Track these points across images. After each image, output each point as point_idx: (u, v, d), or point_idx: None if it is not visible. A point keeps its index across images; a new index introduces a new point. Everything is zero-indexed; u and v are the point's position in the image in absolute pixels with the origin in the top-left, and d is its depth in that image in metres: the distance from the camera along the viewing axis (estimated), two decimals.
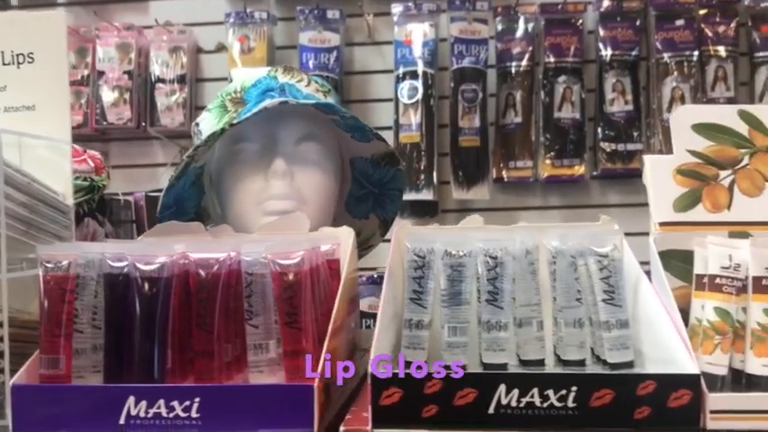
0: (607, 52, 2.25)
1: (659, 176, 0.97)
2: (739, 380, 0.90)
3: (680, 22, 2.21)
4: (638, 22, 2.24)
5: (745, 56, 2.21)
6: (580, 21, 2.26)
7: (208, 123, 1.09)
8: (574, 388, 0.79)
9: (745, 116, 0.98)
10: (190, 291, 0.82)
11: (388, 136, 2.24)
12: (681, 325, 0.86)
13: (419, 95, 2.21)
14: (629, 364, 0.94)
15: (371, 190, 1.20)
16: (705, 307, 0.89)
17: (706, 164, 0.97)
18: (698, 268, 0.91)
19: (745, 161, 0.97)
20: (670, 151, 1.00)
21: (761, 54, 2.19)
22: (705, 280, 0.90)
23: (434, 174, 2.24)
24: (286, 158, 1.07)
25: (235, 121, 1.02)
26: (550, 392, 0.79)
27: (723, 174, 0.97)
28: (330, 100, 1.14)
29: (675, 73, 2.20)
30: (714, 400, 0.79)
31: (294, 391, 0.78)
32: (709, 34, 2.20)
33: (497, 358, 0.92)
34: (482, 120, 2.25)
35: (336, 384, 0.88)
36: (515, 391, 0.79)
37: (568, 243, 0.98)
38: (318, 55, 2.19)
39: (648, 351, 0.93)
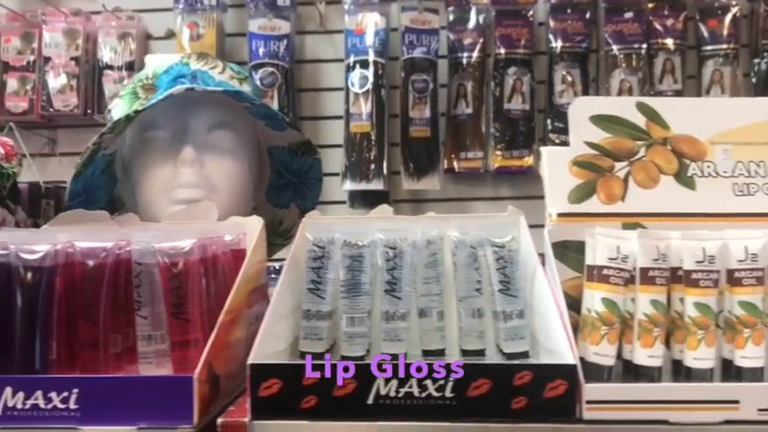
0: (557, 44, 2.26)
1: (556, 168, 0.98)
2: (629, 370, 0.92)
3: (629, 15, 2.22)
4: (588, 15, 2.25)
5: (693, 49, 2.23)
6: (531, 12, 2.26)
7: (119, 110, 1.09)
8: (452, 378, 0.80)
9: (644, 108, 0.99)
10: (75, 280, 0.82)
11: (339, 125, 2.25)
12: (565, 315, 0.87)
13: (369, 85, 2.21)
14: (525, 354, 0.95)
15: (291, 179, 1.21)
16: (594, 297, 0.90)
17: (602, 155, 0.98)
18: (588, 259, 0.92)
19: (642, 153, 0.98)
20: None
21: (708, 48, 2.21)
22: (594, 271, 0.91)
23: (385, 164, 2.25)
24: (196, 146, 1.07)
25: (140, 108, 1.02)
26: (429, 382, 0.80)
27: (619, 165, 0.98)
28: (246, 87, 1.14)
29: (624, 65, 2.21)
30: (590, 390, 0.80)
31: (173, 383, 0.78)
32: (658, 27, 2.22)
33: (396, 348, 0.93)
34: (433, 110, 2.25)
35: (235, 376, 0.89)
36: (394, 382, 0.80)
37: (469, 234, 0.99)
38: (268, 43, 2.19)
39: (543, 341, 0.95)
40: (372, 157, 2.24)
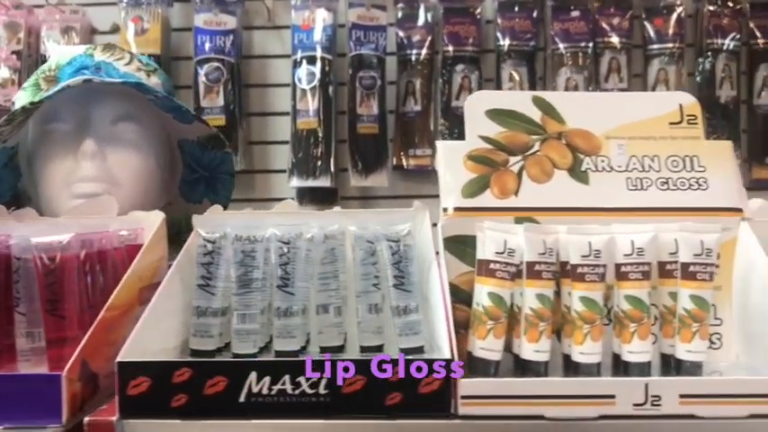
0: (505, 42, 2.25)
1: (450, 162, 0.98)
2: (519, 365, 0.92)
3: (576, 14, 2.22)
4: (535, 13, 2.25)
5: (639, 48, 2.23)
6: (479, 10, 2.26)
7: (20, 102, 1.08)
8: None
9: (540, 103, 0.99)
10: None
11: (287, 122, 2.24)
12: (449, 309, 0.87)
13: (316, 81, 2.20)
14: (420, 350, 0.95)
15: (202, 174, 1.20)
16: (482, 292, 0.90)
17: (497, 150, 0.97)
18: (479, 254, 0.92)
19: (536, 147, 0.98)
20: None
21: (654, 46, 2.21)
22: (483, 265, 0.91)
23: (332, 160, 2.24)
24: (98, 139, 1.06)
25: (36, 100, 1.01)
26: (302, 379, 0.80)
27: (513, 160, 0.97)
28: (155, 80, 1.13)
29: (570, 63, 2.21)
30: (465, 385, 0.80)
31: (41, 381, 0.77)
32: (604, 26, 2.22)
33: (289, 345, 0.93)
34: (381, 107, 2.24)
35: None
36: (266, 379, 0.80)
37: (367, 229, 0.99)
38: (214, 38, 2.18)
39: (435, 336, 0.94)
40: (319, 154, 2.23)
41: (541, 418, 0.80)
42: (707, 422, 0.79)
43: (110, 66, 1.06)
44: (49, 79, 1.06)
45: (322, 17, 2.20)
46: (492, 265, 0.88)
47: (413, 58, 2.26)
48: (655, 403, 0.80)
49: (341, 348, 0.96)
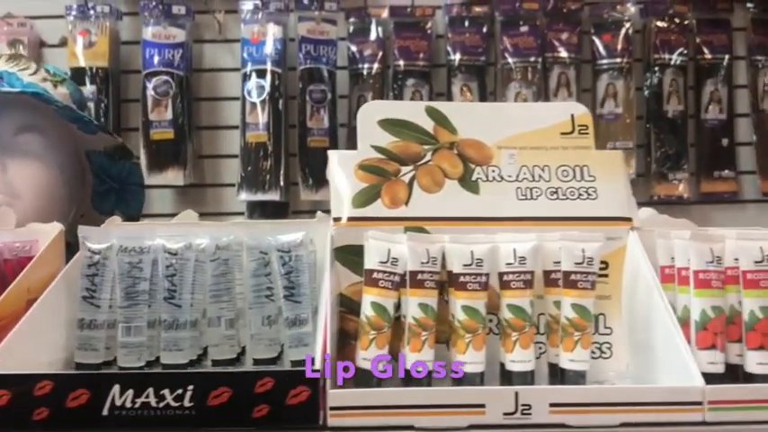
0: (456, 57, 2.26)
1: (342, 172, 0.98)
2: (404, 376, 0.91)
3: (524, 29, 2.24)
4: (485, 28, 2.26)
5: (588, 63, 2.25)
6: (429, 25, 2.27)
7: None
8: (190, 387, 0.79)
9: (432, 113, 0.99)
10: None
11: (237, 135, 2.24)
12: (328, 320, 0.87)
13: (266, 95, 2.21)
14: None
15: (112, 185, 1.20)
16: (366, 302, 0.90)
17: (389, 159, 0.97)
18: (365, 263, 0.92)
19: (428, 157, 0.98)
20: None
21: (603, 61, 2.22)
22: (368, 275, 0.91)
23: (282, 174, 2.24)
24: None
25: None
26: (166, 392, 0.79)
27: (405, 170, 0.97)
28: (63, 90, 1.13)
29: (519, 78, 2.22)
30: (333, 396, 0.80)
31: None
32: (553, 41, 2.23)
33: (175, 358, 0.92)
34: (331, 120, 2.25)
35: None
36: (130, 392, 0.79)
37: (260, 240, 0.99)
38: (163, 51, 2.18)
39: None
40: (269, 168, 2.23)
41: (411, 428, 0.79)
42: (578, 431, 0.79)
43: (13, 76, 1.06)
44: None
45: (272, 31, 2.21)
46: (375, 275, 0.88)
47: (364, 72, 2.27)
48: (525, 412, 0.79)
49: (233, 361, 0.96)
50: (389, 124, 0.97)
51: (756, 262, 0.85)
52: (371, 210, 0.95)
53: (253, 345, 0.98)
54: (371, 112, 0.99)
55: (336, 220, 0.95)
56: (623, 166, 1.00)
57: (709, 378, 0.84)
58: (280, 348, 0.96)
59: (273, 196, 2.23)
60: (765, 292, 0.85)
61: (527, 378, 0.88)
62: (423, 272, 0.88)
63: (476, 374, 0.88)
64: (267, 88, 2.20)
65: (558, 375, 0.90)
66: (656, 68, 2.21)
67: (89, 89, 2.13)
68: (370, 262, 0.89)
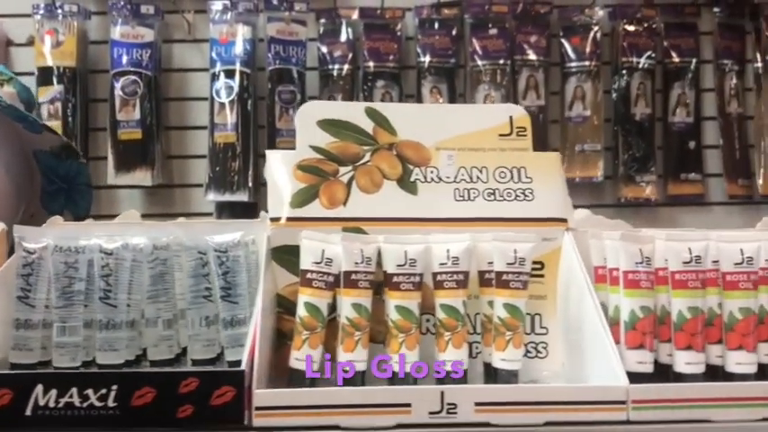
0: (426, 59, 2.26)
1: (280, 172, 0.98)
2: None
3: (493, 31, 2.24)
4: (454, 30, 2.26)
5: (557, 66, 2.25)
6: (399, 26, 2.27)
7: None
8: (114, 387, 0.79)
9: (372, 113, 0.99)
10: None
11: (205, 135, 2.24)
12: (258, 321, 0.87)
13: (234, 95, 2.20)
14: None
15: (61, 185, 1.20)
16: (301, 302, 0.90)
17: (327, 160, 0.98)
18: (301, 264, 0.92)
19: (367, 158, 0.98)
20: None
21: (572, 64, 2.23)
22: (302, 275, 0.91)
23: (251, 174, 2.23)
24: None
25: None
26: (90, 392, 0.79)
27: (343, 170, 0.98)
28: (9, 89, 1.13)
29: (488, 80, 2.22)
30: (259, 396, 0.80)
31: None
32: (522, 44, 2.24)
33: (110, 359, 0.92)
34: None
35: None
36: (53, 392, 0.79)
37: (198, 239, 0.99)
38: (131, 50, 2.17)
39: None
40: (237, 168, 2.22)
41: (337, 428, 0.79)
42: (502, 430, 0.79)
43: None
44: None
45: (241, 31, 2.21)
46: (309, 275, 0.88)
47: (334, 73, 2.27)
48: (450, 411, 0.79)
49: (172, 362, 0.96)
50: (329, 125, 0.97)
51: (685, 263, 0.86)
52: (309, 210, 0.95)
53: (192, 345, 0.98)
54: (311, 113, 0.99)
55: (274, 220, 0.95)
56: (560, 167, 1.01)
57: (639, 377, 0.85)
58: (219, 349, 0.96)
59: (242, 197, 2.23)
60: (693, 293, 0.86)
61: (464, 377, 0.88)
62: (356, 272, 0.88)
63: (409, 374, 0.88)
64: (236, 89, 2.19)
65: (492, 375, 0.90)
66: (624, 71, 2.22)
67: (56, 89, 2.13)
68: (305, 262, 0.89)
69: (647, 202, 2.20)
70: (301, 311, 0.88)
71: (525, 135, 1.00)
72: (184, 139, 2.29)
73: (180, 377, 0.78)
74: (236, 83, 2.19)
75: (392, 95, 2.26)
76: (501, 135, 0.99)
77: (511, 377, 0.89)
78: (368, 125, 0.98)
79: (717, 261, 0.87)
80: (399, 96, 2.26)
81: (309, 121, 0.98)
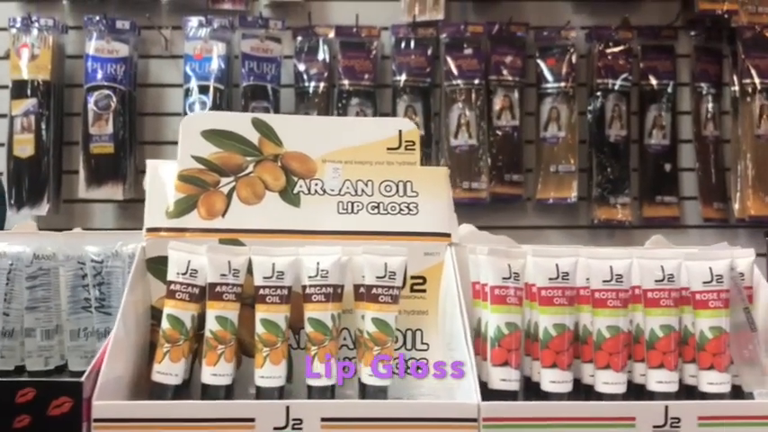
0: (401, 78, 2.26)
1: (159, 182, 0.96)
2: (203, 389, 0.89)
3: (468, 51, 2.23)
4: (430, 50, 2.25)
5: (532, 86, 2.23)
6: (374, 45, 2.27)
7: None
8: None
9: (259, 124, 0.98)
10: None
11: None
12: (113, 333, 0.85)
13: (208, 110, 2.21)
14: None
15: None
16: (165, 314, 0.89)
17: (208, 170, 0.96)
18: (168, 275, 0.90)
19: (250, 169, 0.97)
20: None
21: (547, 85, 2.21)
22: (166, 287, 0.89)
23: None
24: None
25: None
26: None
27: (225, 181, 0.96)
28: None
29: (463, 99, 2.21)
30: (98, 408, 0.78)
31: None
32: (498, 64, 2.22)
33: None
34: None
35: None
36: None
37: (78, 249, 0.98)
38: (105, 65, 2.20)
39: None
40: None
41: None
42: None
43: None
44: None
45: (216, 48, 2.22)
46: (173, 287, 0.87)
47: (310, 90, 2.28)
48: (296, 427, 0.77)
49: (50, 373, 0.94)
50: (213, 135, 0.96)
51: (551, 279, 0.83)
52: (186, 221, 0.93)
53: (71, 357, 0.97)
54: (195, 123, 0.98)
55: (150, 230, 0.94)
56: (447, 182, 0.98)
57: (503, 395, 0.82)
58: None
59: None
60: (559, 309, 0.82)
61: (325, 393, 0.85)
62: (222, 284, 0.86)
63: (273, 389, 0.86)
64: (209, 104, 2.21)
65: (362, 391, 0.87)
66: (599, 93, 2.19)
67: (30, 102, 2.16)
68: (171, 273, 0.87)
69: (621, 224, 2.16)
70: (164, 324, 0.87)
71: (414, 149, 0.98)
72: (159, 153, 2.29)
73: (16, 386, 0.77)
74: (209, 98, 2.21)
75: (366, 113, 2.25)
76: (389, 149, 0.97)
77: (379, 393, 0.86)
78: (254, 136, 0.96)
79: (588, 279, 0.84)
80: (374, 114, 2.25)
81: (193, 132, 0.97)
